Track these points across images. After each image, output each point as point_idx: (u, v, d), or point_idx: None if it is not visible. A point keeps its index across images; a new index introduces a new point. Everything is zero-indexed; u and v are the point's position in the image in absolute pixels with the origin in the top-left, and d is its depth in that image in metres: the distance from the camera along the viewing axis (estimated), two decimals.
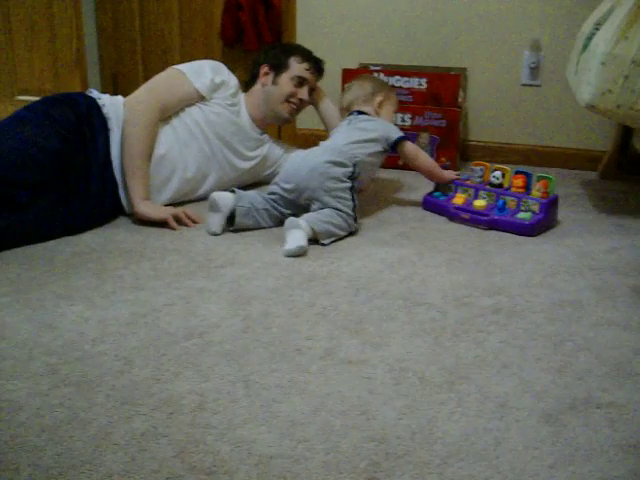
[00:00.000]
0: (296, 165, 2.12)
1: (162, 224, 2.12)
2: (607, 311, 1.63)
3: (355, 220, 2.10)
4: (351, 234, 2.09)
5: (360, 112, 2.36)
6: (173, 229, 2.10)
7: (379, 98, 2.40)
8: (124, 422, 1.16)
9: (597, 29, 2.17)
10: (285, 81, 2.46)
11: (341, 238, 2.06)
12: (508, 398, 1.26)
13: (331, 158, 2.09)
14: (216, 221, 2.06)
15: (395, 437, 1.13)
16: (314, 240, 1.99)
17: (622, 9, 2.10)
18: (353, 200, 2.10)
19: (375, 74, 2.90)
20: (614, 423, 1.19)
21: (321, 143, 2.27)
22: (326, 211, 2.03)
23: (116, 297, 1.64)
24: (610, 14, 2.15)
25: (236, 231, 2.08)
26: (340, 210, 2.05)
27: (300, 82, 2.47)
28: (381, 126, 2.30)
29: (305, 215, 2.03)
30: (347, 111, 2.43)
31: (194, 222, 2.16)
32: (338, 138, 2.24)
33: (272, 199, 2.14)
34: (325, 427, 1.16)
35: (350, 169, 2.11)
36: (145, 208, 2.13)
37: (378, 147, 2.26)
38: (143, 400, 1.22)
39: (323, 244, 2.00)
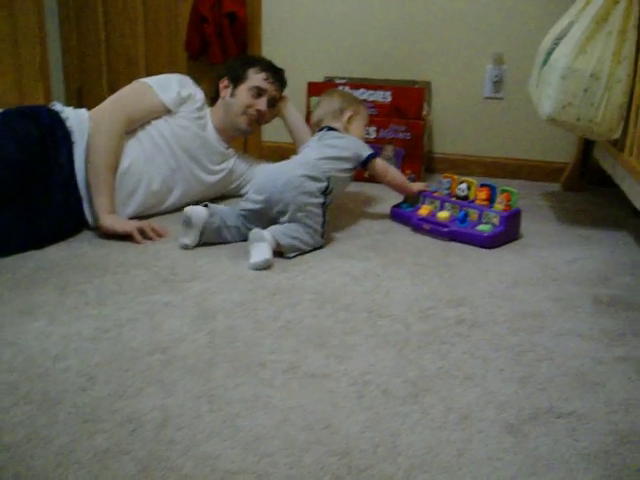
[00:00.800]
0: (271, 176, 2.10)
1: (127, 237, 2.10)
2: (568, 321, 1.65)
3: (322, 236, 2.10)
4: (317, 247, 2.10)
5: (330, 128, 2.36)
6: (138, 243, 2.09)
7: (348, 113, 2.40)
8: (86, 440, 1.15)
9: (557, 44, 2.21)
10: (243, 92, 2.46)
11: (307, 251, 2.06)
12: (471, 409, 1.27)
13: (306, 172, 2.08)
14: (188, 236, 2.05)
15: (358, 450, 1.14)
16: (278, 253, 1.99)
17: (581, 24, 2.15)
18: (324, 216, 2.10)
19: (340, 87, 2.91)
20: (575, 433, 1.21)
21: (293, 157, 2.26)
22: (292, 225, 2.03)
23: (79, 312, 1.63)
24: (569, 29, 2.20)
25: (203, 245, 2.08)
26: (308, 226, 2.05)
27: (258, 93, 2.46)
28: (352, 144, 2.30)
29: (271, 227, 2.02)
30: (317, 126, 2.43)
31: (159, 235, 2.15)
32: (310, 153, 2.23)
33: (243, 215, 2.12)
34: (288, 441, 1.16)
35: (324, 184, 2.11)
36: (110, 221, 2.11)
37: (349, 165, 2.26)
38: (106, 417, 1.21)
39: (288, 257, 2.00)
